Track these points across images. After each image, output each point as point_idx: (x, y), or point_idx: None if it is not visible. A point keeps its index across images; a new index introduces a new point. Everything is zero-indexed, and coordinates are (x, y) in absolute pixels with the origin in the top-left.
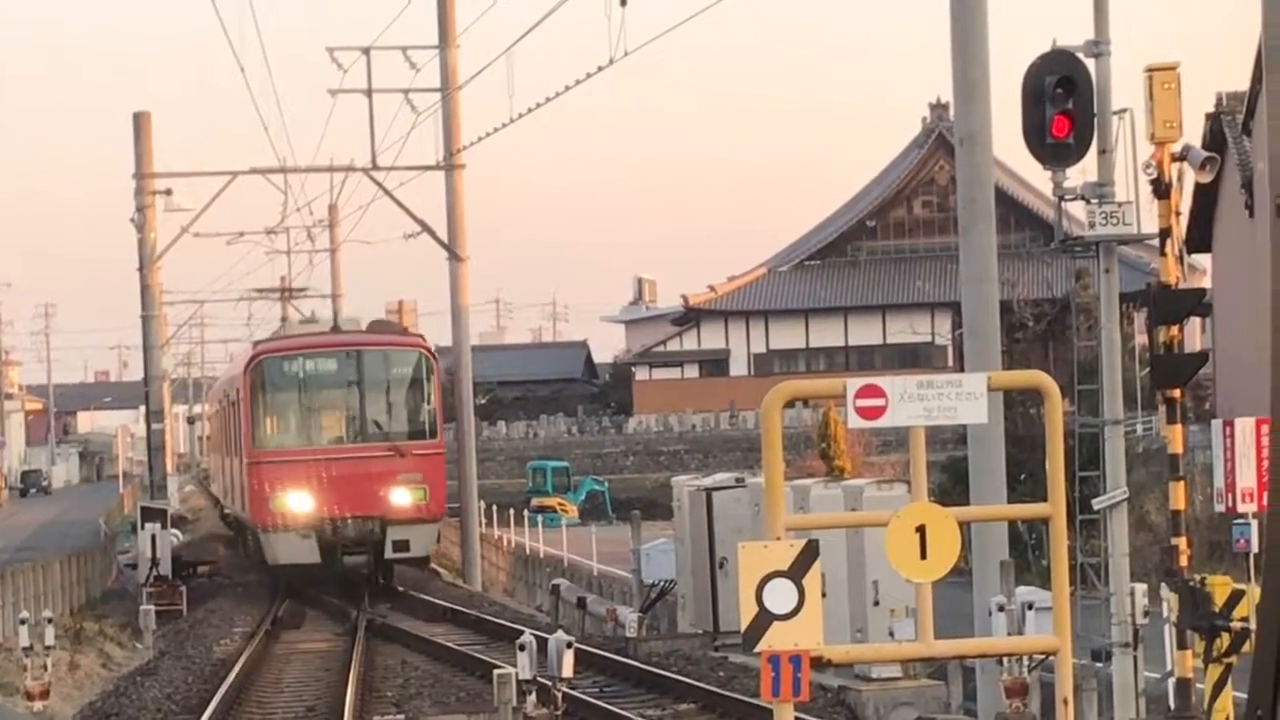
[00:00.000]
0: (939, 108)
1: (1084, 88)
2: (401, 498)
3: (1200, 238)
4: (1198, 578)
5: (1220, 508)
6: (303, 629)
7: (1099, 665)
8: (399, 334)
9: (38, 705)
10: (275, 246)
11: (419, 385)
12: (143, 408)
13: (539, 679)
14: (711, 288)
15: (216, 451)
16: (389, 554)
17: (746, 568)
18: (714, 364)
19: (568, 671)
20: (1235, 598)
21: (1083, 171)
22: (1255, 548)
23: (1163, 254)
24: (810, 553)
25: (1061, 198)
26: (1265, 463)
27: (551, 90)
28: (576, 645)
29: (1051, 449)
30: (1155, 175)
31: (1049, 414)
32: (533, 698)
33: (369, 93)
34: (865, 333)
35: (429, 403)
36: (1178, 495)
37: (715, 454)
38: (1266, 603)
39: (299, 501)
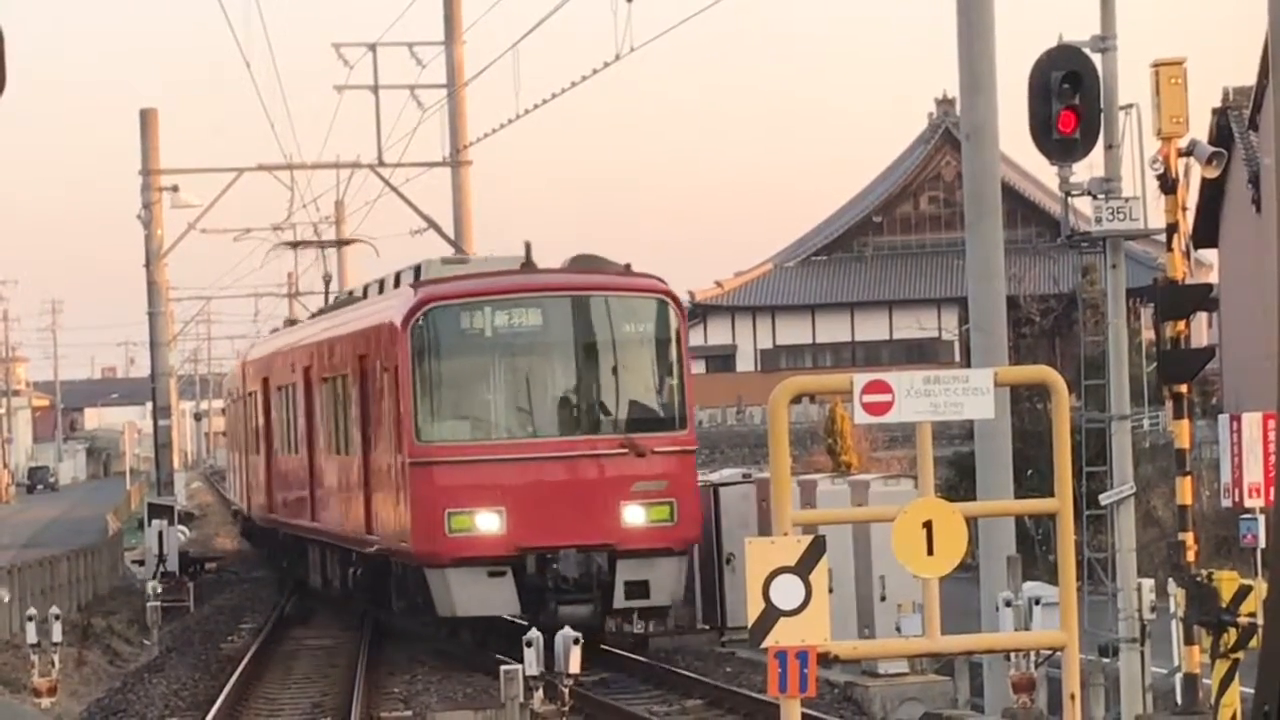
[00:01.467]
0: (945, 103)
1: (1090, 83)
2: (637, 516)
3: (1207, 233)
4: (1205, 573)
5: (1227, 503)
6: (310, 625)
7: (1106, 660)
8: (624, 274)
9: (45, 702)
10: (282, 242)
11: (664, 349)
12: (149, 404)
13: (546, 675)
14: (718, 283)
15: (254, 447)
16: (620, 601)
17: (753, 563)
18: (720, 359)
19: (574, 667)
20: (1242, 593)
21: (1089, 167)
22: (1262, 543)
23: (1169, 249)
24: (817, 548)
25: (1068, 193)
26: (1272, 458)
27: (558, 86)
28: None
29: (1059, 444)
30: (1162, 170)
31: (1056, 409)
32: (539, 693)
33: (375, 89)
34: (872, 328)
35: (676, 375)
36: (1185, 490)
37: (722, 449)
38: (1274, 597)
39: (488, 522)
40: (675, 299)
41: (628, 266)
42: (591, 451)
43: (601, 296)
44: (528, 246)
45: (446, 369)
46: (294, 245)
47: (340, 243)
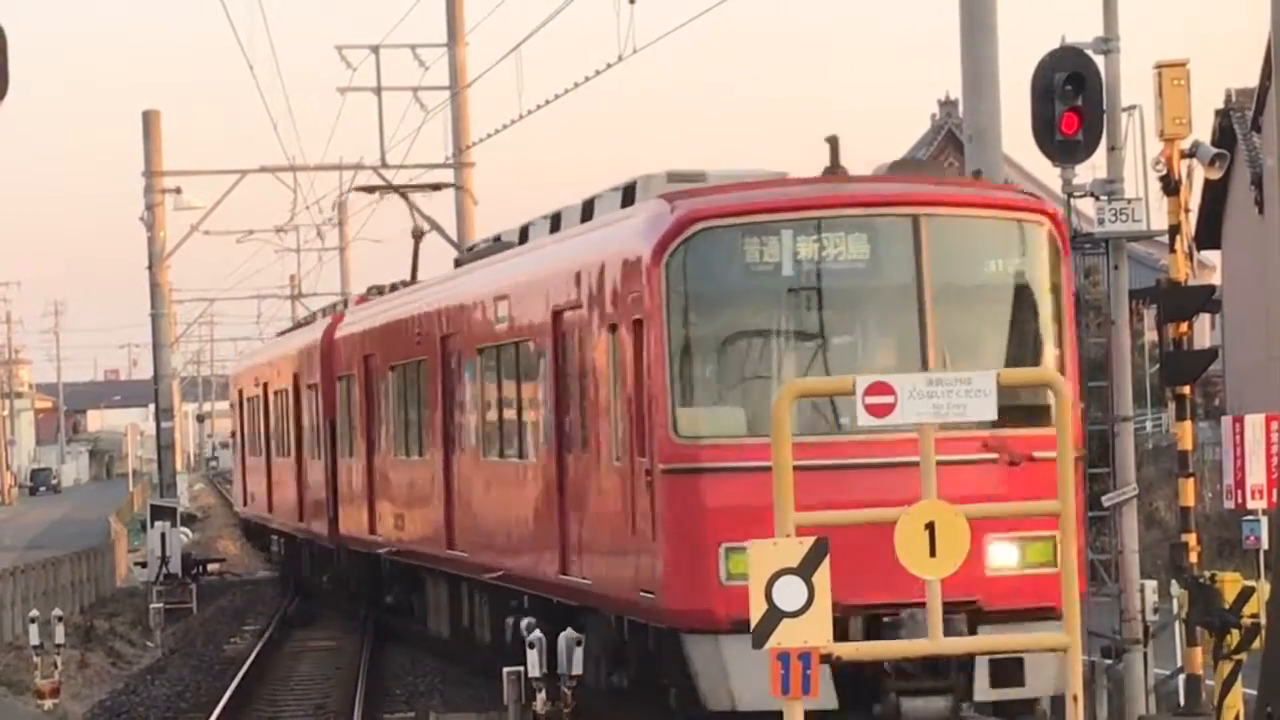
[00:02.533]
0: (948, 104)
1: (1093, 84)
2: (1008, 557)
3: (1209, 234)
4: (1207, 574)
5: (1230, 504)
6: (313, 626)
7: (1109, 662)
8: (985, 186)
9: (48, 704)
10: (285, 244)
11: (1047, 302)
12: (152, 406)
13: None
14: None
15: (322, 447)
16: (984, 691)
17: (756, 565)
18: None
19: (578, 669)
20: (1245, 594)
21: (1092, 168)
22: (1265, 544)
23: (1172, 250)
24: (819, 550)
25: (1071, 194)
26: (1275, 459)
27: (560, 87)
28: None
29: (1061, 446)
30: (1164, 172)
31: (1058, 411)
32: (542, 695)
33: (378, 91)
34: None
35: (1061, 341)
36: (1187, 492)
37: None
38: (1277, 599)
39: None
40: (1061, 226)
41: (977, 174)
42: (944, 457)
43: (962, 218)
44: (834, 145)
45: (724, 325)
46: (375, 190)
47: (433, 187)
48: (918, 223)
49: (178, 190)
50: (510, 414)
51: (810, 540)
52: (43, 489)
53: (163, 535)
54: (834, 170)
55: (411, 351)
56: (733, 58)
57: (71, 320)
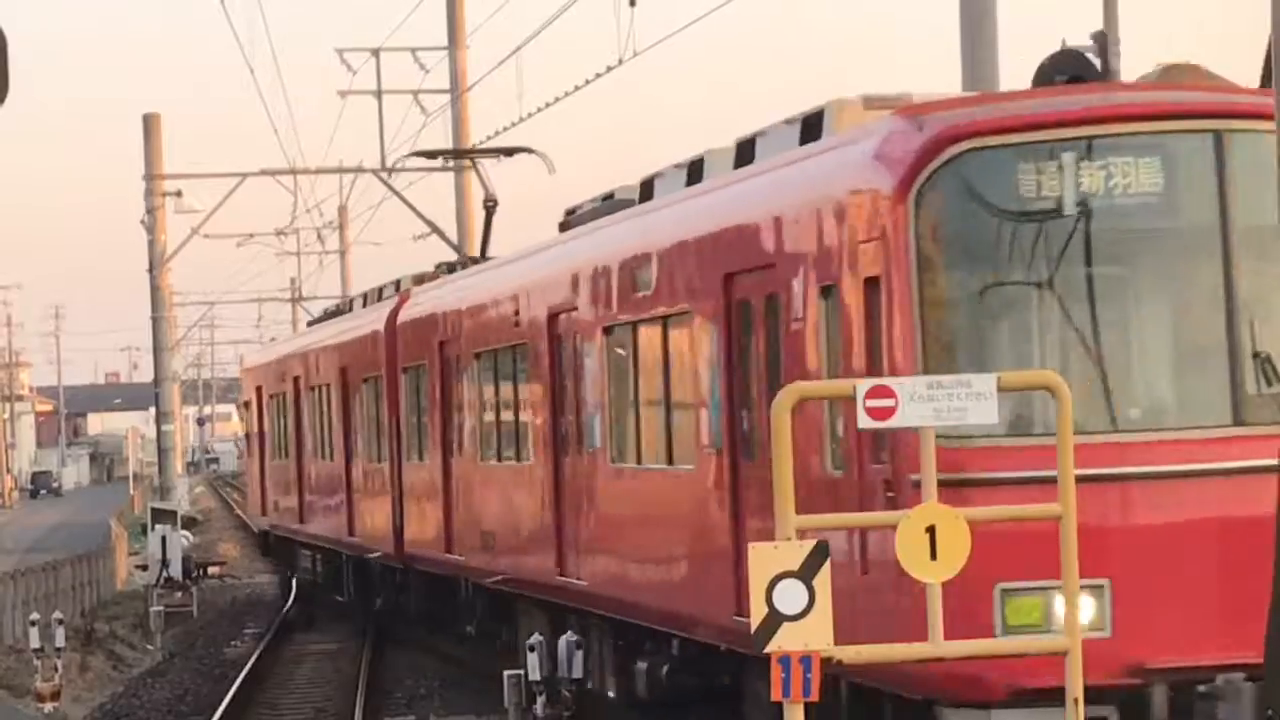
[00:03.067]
0: None
1: None
2: None
3: None
4: None
5: None
6: (313, 629)
7: None
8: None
9: (48, 707)
10: (285, 248)
11: None
12: (153, 409)
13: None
14: None
15: (399, 448)
16: None
17: (756, 568)
18: None
19: (578, 672)
20: None
21: None
22: None
23: None
24: (820, 553)
25: None
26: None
27: (561, 90)
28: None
29: (1062, 449)
30: None
31: (1059, 414)
32: (543, 699)
33: (378, 94)
34: None
35: None
36: None
37: None
38: (1277, 599)
39: (1081, 614)
40: None
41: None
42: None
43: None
44: (1100, 42)
45: (993, 284)
46: (436, 155)
47: (506, 151)
48: (1222, 142)
49: (178, 193)
50: (651, 411)
51: (811, 543)
52: (43, 492)
53: (163, 538)
54: (1102, 76)
55: (505, 335)
56: (732, 59)
57: (72, 323)
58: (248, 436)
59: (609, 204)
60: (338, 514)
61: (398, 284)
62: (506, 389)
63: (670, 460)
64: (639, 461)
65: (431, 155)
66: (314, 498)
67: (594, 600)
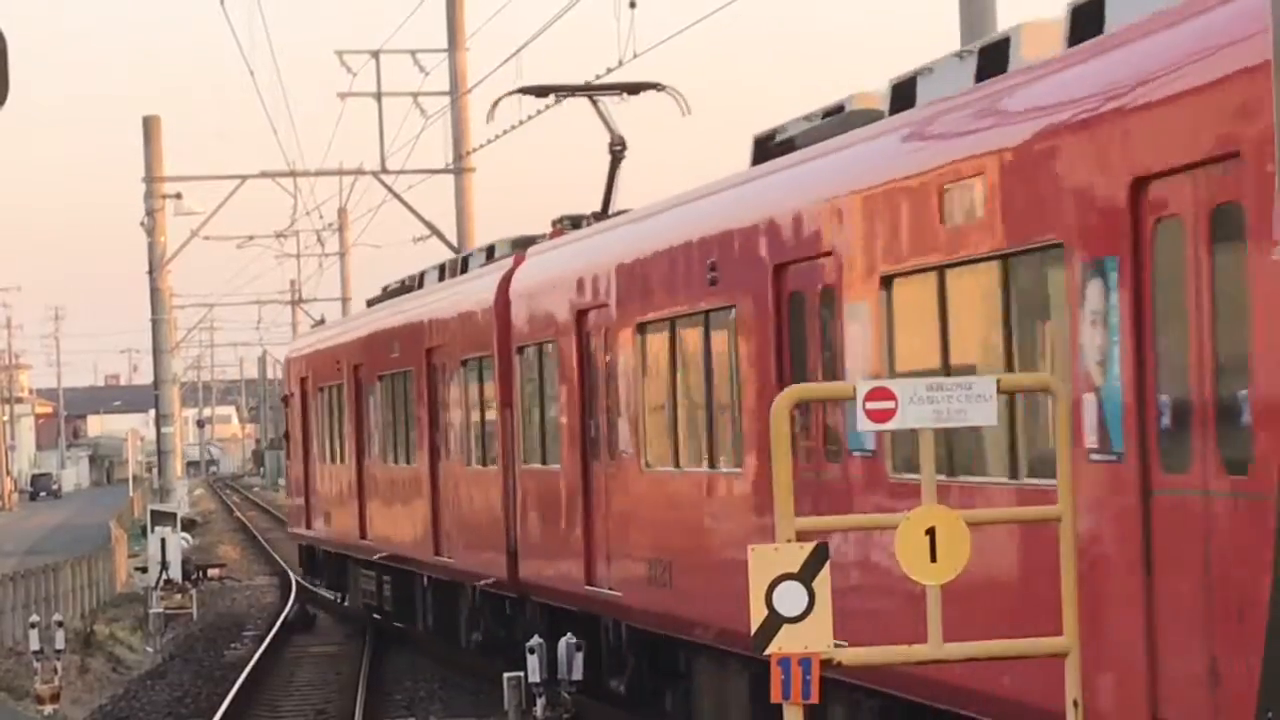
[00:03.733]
0: None
1: None
2: None
3: None
4: None
5: None
6: (313, 632)
7: None
8: None
9: (48, 709)
10: (285, 250)
11: None
12: (153, 411)
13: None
14: None
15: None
16: None
17: (756, 570)
18: None
19: (578, 675)
20: None
21: None
22: None
23: None
24: (820, 555)
25: None
26: None
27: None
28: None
29: (1061, 450)
30: None
31: (1059, 416)
32: (542, 701)
33: (378, 96)
34: None
35: None
36: None
37: None
38: (1275, 601)
39: None
40: None
41: None
42: None
43: None
44: None
45: None
46: (551, 91)
47: (633, 87)
48: None
49: (178, 195)
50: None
51: (810, 545)
52: (43, 494)
53: (163, 540)
54: None
55: (690, 297)
56: (731, 61)
57: (72, 325)
58: (287, 436)
59: (841, 119)
60: (416, 529)
61: (489, 250)
62: (693, 370)
63: (1020, 476)
64: (904, 471)
65: (542, 92)
66: (382, 508)
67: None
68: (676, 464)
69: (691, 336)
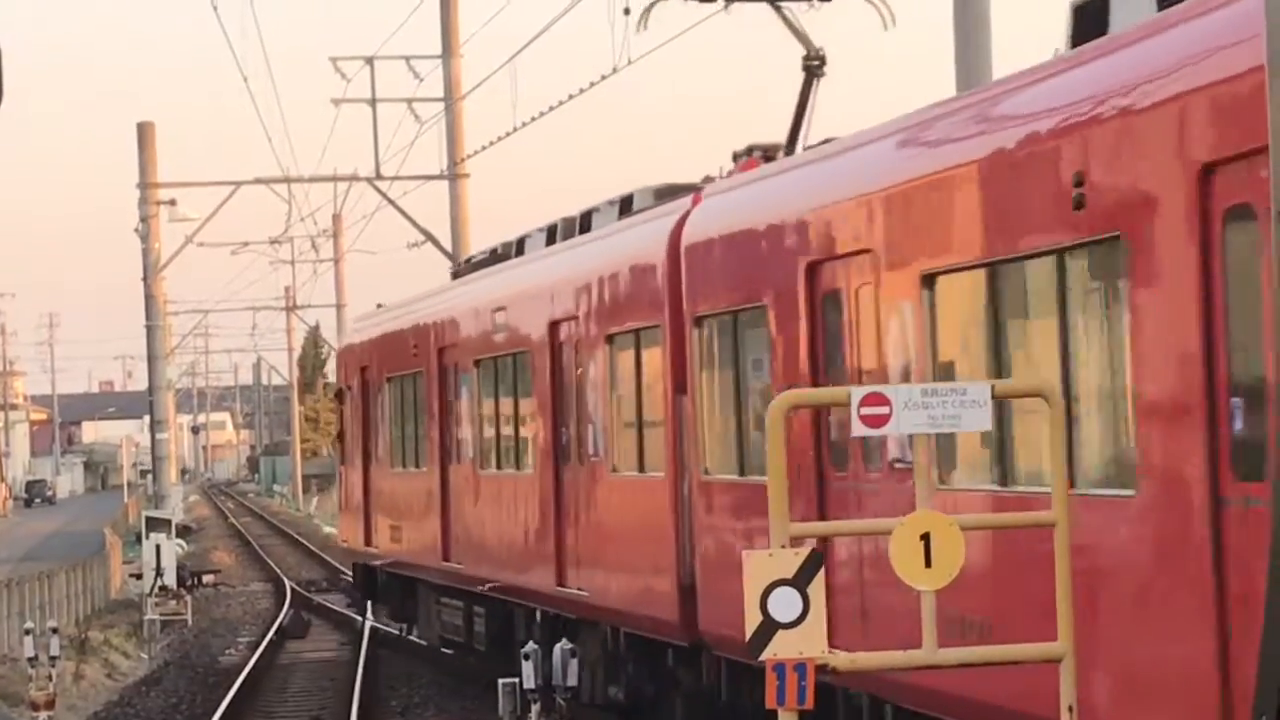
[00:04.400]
0: None
1: None
2: None
3: None
4: None
5: None
6: (308, 638)
7: None
8: None
9: (43, 715)
10: (280, 256)
11: None
12: (147, 418)
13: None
14: None
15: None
16: None
17: (751, 576)
18: None
19: (572, 681)
20: None
21: None
22: None
23: None
24: (814, 561)
25: None
26: None
27: (555, 99)
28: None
29: (1054, 457)
30: None
31: (1052, 422)
32: (537, 707)
33: (373, 102)
34: None
35: None
36: None
37: None
38: (1271, 602)
39: None
40: None
41: None
42: None
43: None
44: None
45: None
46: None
47: None
48: None
49: (172, 202)
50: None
51: (805, 551)
52: (38, 501)
53: (157, 547)
54: None
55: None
56: (729, 66)
57: (66, 331)
58: (340, 437)
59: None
60: (530, 554)
61: (625, 201)
62: (1016, 336)
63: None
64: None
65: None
66: (474, 526)
67: None
68: (989, 478)
69: (1012, 290)
